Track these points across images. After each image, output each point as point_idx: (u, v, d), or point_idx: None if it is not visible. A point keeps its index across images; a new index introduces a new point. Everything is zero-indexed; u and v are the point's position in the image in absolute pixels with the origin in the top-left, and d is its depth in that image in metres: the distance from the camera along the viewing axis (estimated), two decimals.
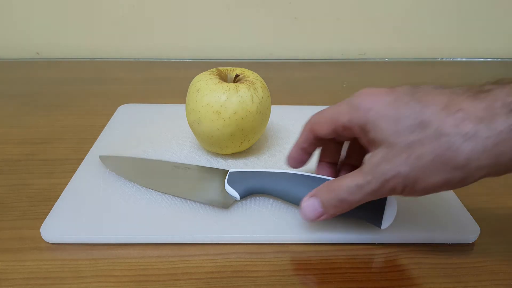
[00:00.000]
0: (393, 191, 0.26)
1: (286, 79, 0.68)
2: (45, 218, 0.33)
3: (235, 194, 0.34)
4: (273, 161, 0.41)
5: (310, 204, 0.29)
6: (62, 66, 0.72)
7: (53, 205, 0.34)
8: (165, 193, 0.36)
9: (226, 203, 0.34)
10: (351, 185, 0.27)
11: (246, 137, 0.39)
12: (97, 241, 0.32)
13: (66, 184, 0.37)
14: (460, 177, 0.24)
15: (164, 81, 0.64)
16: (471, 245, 0.33)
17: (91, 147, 0.43)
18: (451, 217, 0.34)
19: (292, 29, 0.78)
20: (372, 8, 0.76)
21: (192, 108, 0.38)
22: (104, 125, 0.48)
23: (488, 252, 0.32)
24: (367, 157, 0.28)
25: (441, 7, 0.76)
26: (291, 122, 0.50)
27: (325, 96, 0.61)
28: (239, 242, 0.32)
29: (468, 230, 0.33)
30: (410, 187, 0.25)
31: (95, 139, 0.44)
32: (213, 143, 0.39)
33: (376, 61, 0.80)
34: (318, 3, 0.75)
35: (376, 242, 0.32)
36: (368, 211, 0.31)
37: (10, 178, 0.40)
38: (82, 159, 0.41)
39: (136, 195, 0.36)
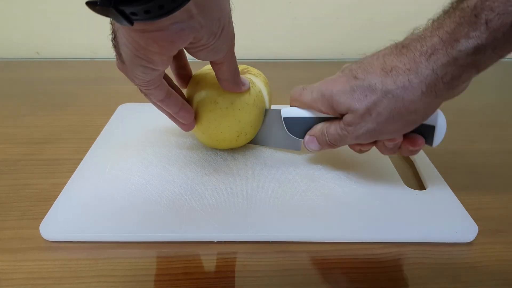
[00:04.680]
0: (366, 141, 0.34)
1: (286, 79, 0.68)
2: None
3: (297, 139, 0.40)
4: (272, 157, 0.42)
5: (310, 140, 0.38)
6: (62, 66, 0.72)
7: (53, 205, 0.34)
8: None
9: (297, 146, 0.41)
10: (335, 133, 0.35)
11: (243, 130, 0.39)
12: (97, 240, 0.32)
13: (66, 184, 0.37)
14: (414, 118, 0.31)
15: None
16: (470, 244, 0.33)
17: (91, 147, 0.43)
18: (449, 216, 0.34)
19: (292, 29, 0.78)
20: (372, 8, 0.76)
21: (191, 99, 0.39)
22: (104, 125, 0.48)
23: (486, 252, 0.32)
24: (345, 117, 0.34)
25: (441, 7, 0.76)
26: None
27: None
28: (239, 241, 0.32)
29: (466, 230, 0.33)
30: (377, 135, 0.33)
31: (95, 139, 0.44)
32: (210, 136, 0.40)
33: None
34: (318, 3, 0.75)
35: (376, 242, 0.32)
36: (419, 130, 0.34)
37: (10, 178, 0.40)
38: (82, 159, 0.41)
39: (135, 194, 0.36)
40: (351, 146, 0.37)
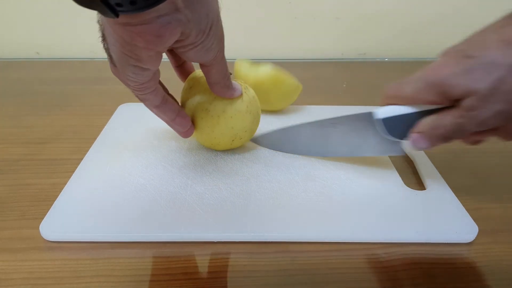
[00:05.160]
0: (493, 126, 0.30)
1: None
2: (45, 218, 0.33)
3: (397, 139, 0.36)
4: (272, 157, 0.42)
5: (418, 138, 0.33)
6: (62, 66, 0.72)
7: (53, 205, 0.34)
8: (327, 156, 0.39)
9: (398, 149, 0.36)
10: (452, 123, 0.31)
11: (237, 136, 0.39)
12: (96, 240, 0.32)
13: (66, 184, 0.37)
14: None
15: (163, 81, 0.64)
16: (470, 244, 0.33)
17: (91, 147, 0.43)
18: (449, 216, 0.34)
19: (292, 29, 0.78)
20: (372, 8, 0.76)
21: (184, 105, 0.39)
22: (104, 125, 0.48)
23: (486, 252, 0.32)
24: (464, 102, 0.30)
25: (441, 7, 0.76)
26: (291, 121, 0.50)
27: (325, 96, 0.61)
28: (238, 241, 0.32)
29: (466, 230, 0.33)
30: (509, 117, 0.29)
31: (95, 139, 0.45)
32: (205, 140, 0.40)
33: (376, 61, 0.80)
34: (318, 3, 0.75)
35: (376, 242, 0.32)
36: None
37: (10, 178, 0.40)
38: (82, 159, 0.41)
39: (135, 194, 0.36)
40: (465, 138, 0.34)
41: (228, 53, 0.74)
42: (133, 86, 0.30)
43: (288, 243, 0.32)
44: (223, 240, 0.32)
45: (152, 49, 0.26)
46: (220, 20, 0.30)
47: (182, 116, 0.36)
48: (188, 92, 0.38)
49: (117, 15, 0.22)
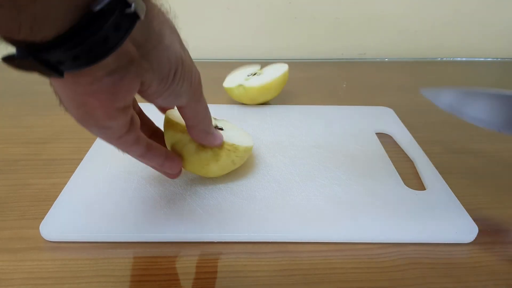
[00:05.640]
0: None
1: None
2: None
3: None
4: (272, 157, 0.41)
5: None
6: None
7: (53, 205, 0.34)
8: None
9: None
10: None
11: (213, 174, 0.37)
12: (96, 240, 0.32)
13: (66, 184, 0.37)
14: None
15: None
16: (470, 244, 0.33)
17: (91, 147, 0.43)
18: (449, 216, 0.34)
19: (292, 29, 0.78)
20: (371, 8, 0.76)
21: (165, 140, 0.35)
22: None
23: (486, 252, 0.32)
24: None
25: (441, 7, 0.76)
26: (291, 121, 0.50)
27: (325, 96, 0.61)
28: (239, 241, 0.32)
29: (466, 230, 0.33)
30: None
31: (95, 139, 0.44)
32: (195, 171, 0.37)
33: (376, 61, 0.80)
34: (318, 3, 0.75)
35: (376, 242, 0.32)
36: None
37: (10, 178, 0.40)
38: (82, 159, 0.41)
39: (135, 194, 0.36)
40: None
41: (228, 53, 0.73)
42: (111, 142, 0.27)
43: (287, 243, 0.32)
44: (223, 240, 0.32)
45: (110, 107, 0.23)
46: (188, 61, 0.27)
47: (170, 160, 0.32)
48: (166, 128, 0.35)
49: (61, 75, 0.19)
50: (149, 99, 0.26)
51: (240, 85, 0.52)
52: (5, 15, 0.16)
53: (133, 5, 0.19)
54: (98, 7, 0.18)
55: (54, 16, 0.17)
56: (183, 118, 0.31)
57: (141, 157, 0.29)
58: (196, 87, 0.28)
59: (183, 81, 0.26)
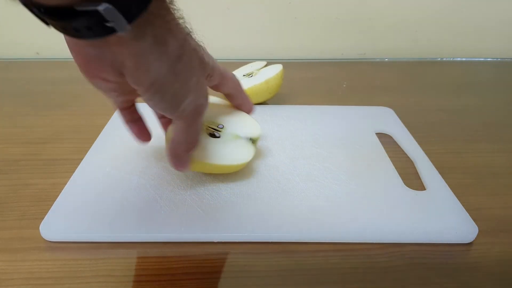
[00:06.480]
0: None
1: (286, 79, 0.68)
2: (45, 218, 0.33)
3: None
4: (272, 157, 0.42)
5: None
6: (62, 66, 0.72)
7: (53, 205, 0.34)
8: None
9: None
10: None
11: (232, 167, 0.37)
12: (96, 240, 0.32)
13: (66, 184, 0.37)
14: None
15: None
16: (470, 244, 0.33)
17: (91, 147, 0.43)
18: (449, 216, 0.34)
19: (292, 29, 0.78)
20: (371, 8, 0.76)
21: None
22: (104, 125, 0.48)
23: (486, 252, 0.32)
24: None
25: (441, 7, 0.76)
26: (291, 122, 0.50)
27: (325, 96, 0.61)
28: (239, 241, 0.32)
29: (466, 230, 0.33)
30: None
31: (95, 139, 0.44)
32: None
33: (376, 61, 0.80)
34: (318, 3, 0.75)
35: (376, 242, 0.32)
36: None
37: (10, 178, 0.40)
38: (82, 159, 0.41)
39: (135, 194, 0.36)
40: None
41: (228, 53, 0.73)
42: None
43: (288, 243, 0.32)
44: (223, 240, 0.32)
45: (87, 72, 0.29)
46: (181, 93, 0.29)
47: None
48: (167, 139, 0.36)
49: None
50: (147, 102, 0.29)
51: None
52: None
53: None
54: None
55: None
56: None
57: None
58: (187, 113, 0.30)
59: (162, 102, 0.28)
